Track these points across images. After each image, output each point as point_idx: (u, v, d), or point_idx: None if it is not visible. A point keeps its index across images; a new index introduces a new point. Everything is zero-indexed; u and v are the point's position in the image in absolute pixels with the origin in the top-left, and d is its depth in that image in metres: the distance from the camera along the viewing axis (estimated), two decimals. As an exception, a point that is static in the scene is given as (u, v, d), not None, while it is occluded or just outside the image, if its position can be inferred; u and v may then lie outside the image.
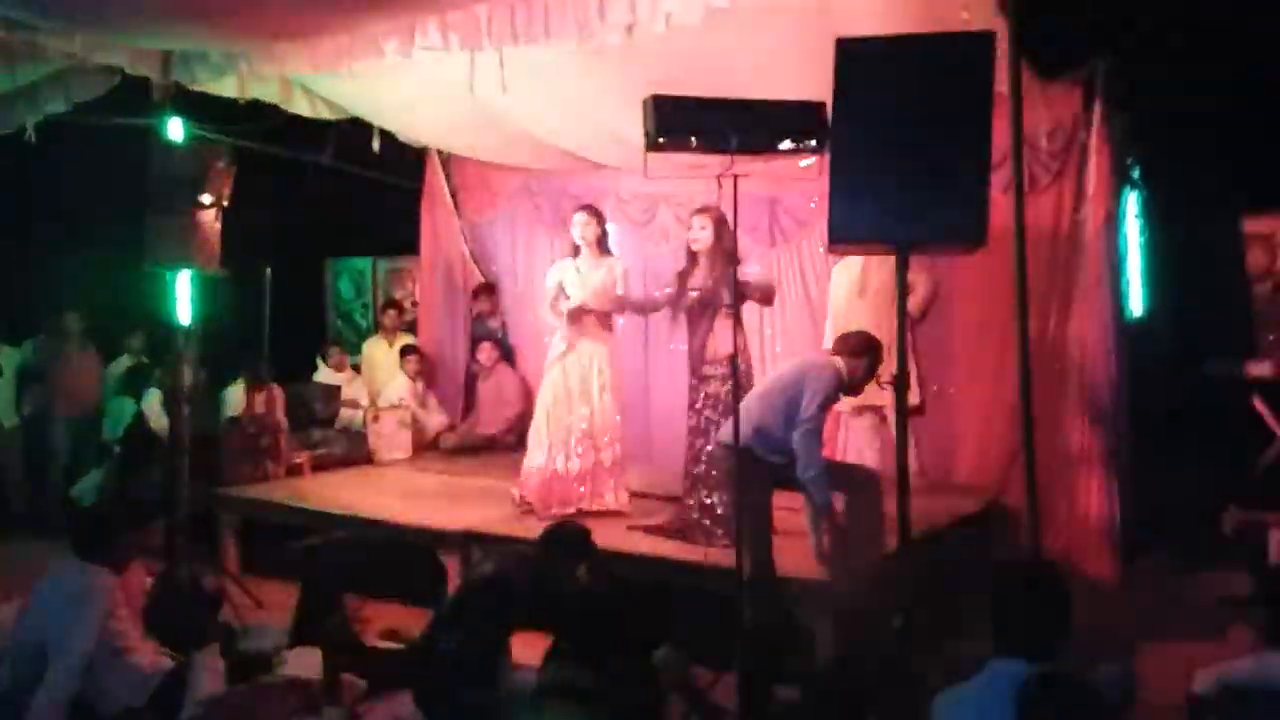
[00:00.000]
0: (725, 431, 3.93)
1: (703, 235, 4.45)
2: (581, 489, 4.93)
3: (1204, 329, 5.76)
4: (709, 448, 4.38)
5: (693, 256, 4.54)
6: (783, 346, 6.29)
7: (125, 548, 3.28)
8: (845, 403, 5.73)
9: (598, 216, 5.07)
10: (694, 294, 4.47)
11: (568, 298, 5.02)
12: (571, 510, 4.87)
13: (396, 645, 4.25)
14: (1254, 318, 5.64)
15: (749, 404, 3.85)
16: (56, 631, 3.06)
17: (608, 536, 4.44)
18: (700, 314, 4.48)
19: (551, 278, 5.14)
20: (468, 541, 4.66)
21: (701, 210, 4.52)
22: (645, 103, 3.37)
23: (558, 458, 4.94)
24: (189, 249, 4.92)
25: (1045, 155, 5.24)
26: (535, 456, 5.01)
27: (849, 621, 3.75)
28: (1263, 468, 4.56)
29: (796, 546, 4.26)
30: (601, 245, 5.06)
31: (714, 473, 4.35)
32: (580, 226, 5.02)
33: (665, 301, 4.66)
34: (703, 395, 4.45)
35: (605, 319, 5.03)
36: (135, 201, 4.99)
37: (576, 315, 4.95)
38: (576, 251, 5.07)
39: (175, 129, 5.15)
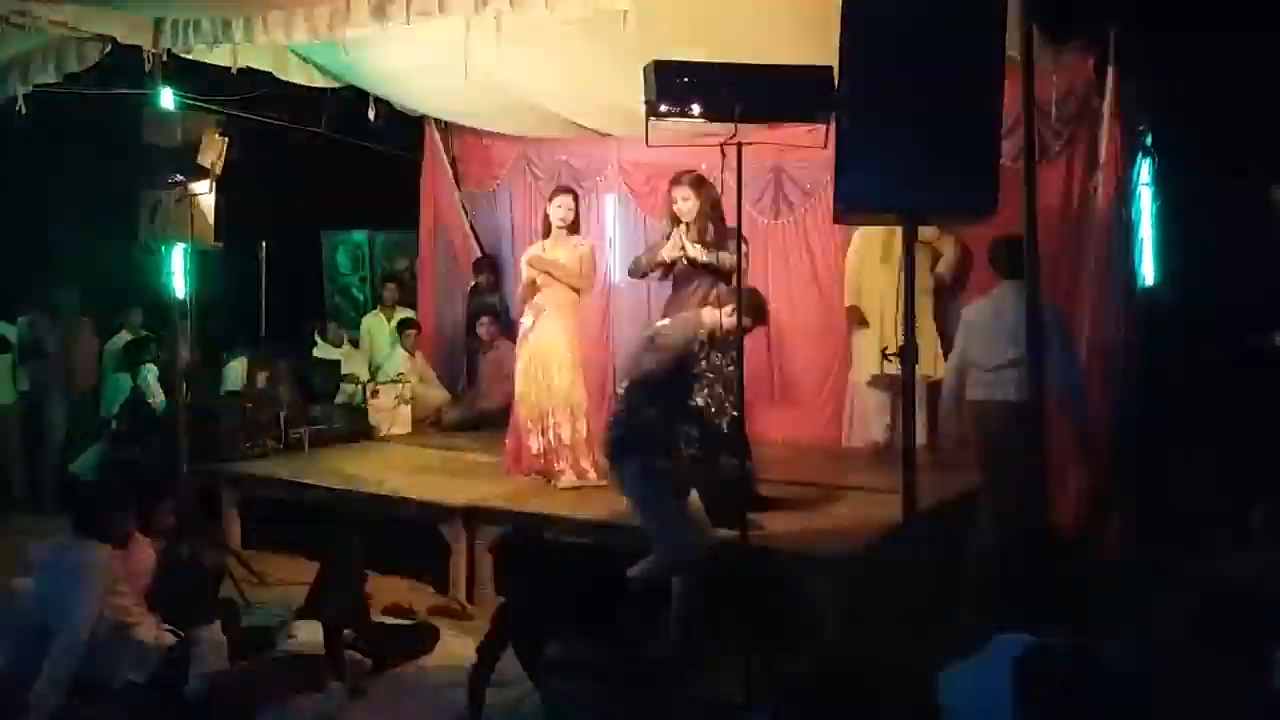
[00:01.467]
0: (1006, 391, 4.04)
1: (686, 205, 4.42)
2: (553, 465, 5.01)
3: (1222, 298, 5.73)
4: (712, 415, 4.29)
5: (676, 224, 4.49)
6: (787, 317, 6.29)
7: (125, 523, 3.30)
8: (858, 372, 5.75)
9: (576, 200, 5.15)
10: (684, 264, 4.42)
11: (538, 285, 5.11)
12: (540, 480, 5.01)
13: (400, 621, 4.30)
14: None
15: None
16: (57, 608, 3.09)
17: (593, 508, 4.51)
18: (688, 281, 4.44)
19: (527, 262, 5.19)
20: (470, 516, 4.69)
21: (679, 182, 4.47)
22: (646, 69, 3.34)
23: (528, 438, 5.08)
24: (184, 222, 4.91)
25: (1057, 122, 5.20)
26: (513, 436, 5.17)
27: (855, 596, 3.77)
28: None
29: (803, 519, 4.28)
30: (574, 227, 5.12)
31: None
32: (560, 209, 5.07)
33: (653, 266, 4.58)
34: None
35: (566, 297, 5.05)
36: (129, 174, 4.98)
37: (529, 293, 5.07)
38: (548, 231, 5.11)
39: (167, 99, 5.13)
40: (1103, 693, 1.96)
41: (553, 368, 5.06)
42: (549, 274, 5.04)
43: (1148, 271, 5.69)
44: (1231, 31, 5.41)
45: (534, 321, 5.12)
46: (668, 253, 4.49)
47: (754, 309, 3.84)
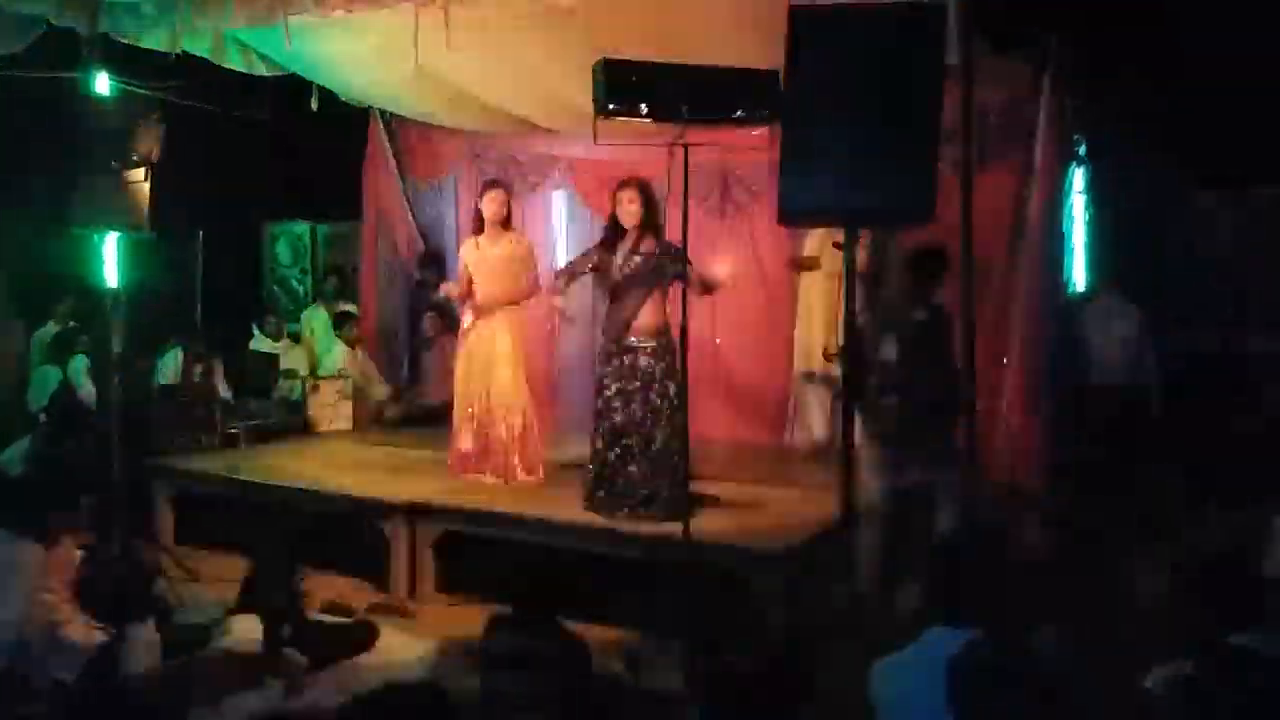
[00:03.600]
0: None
1: (632, 210, 4.43)
2: (489, 462, 5.02)
3: (1153, 303, 5.93)
4: (636, 417, 4.36)
5: (617, 228, 4.50)
6: (734, 318, 6.37)
7: (56, 520, 3.23)
8: (815, 362, 5.83)
9: (508, 195, 5.16)
10: (625, 269, 4.44)
11: (470, 277, 5.13)
12: (481, 480, 5.00)
13: (338, 619, 4.27)
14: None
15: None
16: None
17: (536, 505, 4.53)
18: (627, 286, 4.47)
19: (463, 258, 5.19)
20: (411, 513, 4.67)
21: (627, 185, 4.47)
22: (595, 67, 3.37)
23: (463, 435, 5.08)
24: (117, 210, 4.81)
25: (994, 131, 5.34)
26: (455, 431, 5.17)
27: (796, 589, 3.84)
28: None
29: (749, 516, 4.35)
30: (507, 224, 5.12)
31: (620, 442, 4.36)
32: (492, 204, 5.07)
33: (584, 270, 4.60)
34: (623, 364, 4.41)
35: (505, 295, 5.07)
36: (60, 160, 4.86)
37: (465, 291, 5.10)
38: (479, 227, 5.11)
39: (102, 83, 5.01)
40: (1033, 687, 2.03)
41: (494, 366, 5.05)
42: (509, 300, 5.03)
43: (1077, 277, 5.88)
44: (1166, 42, 5.62)
45: (474, 320, 5.11)
46: (564, 299, 4.55)
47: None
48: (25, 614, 3.05)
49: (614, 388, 4.40)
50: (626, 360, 4.39)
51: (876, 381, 4.09)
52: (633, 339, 4.39)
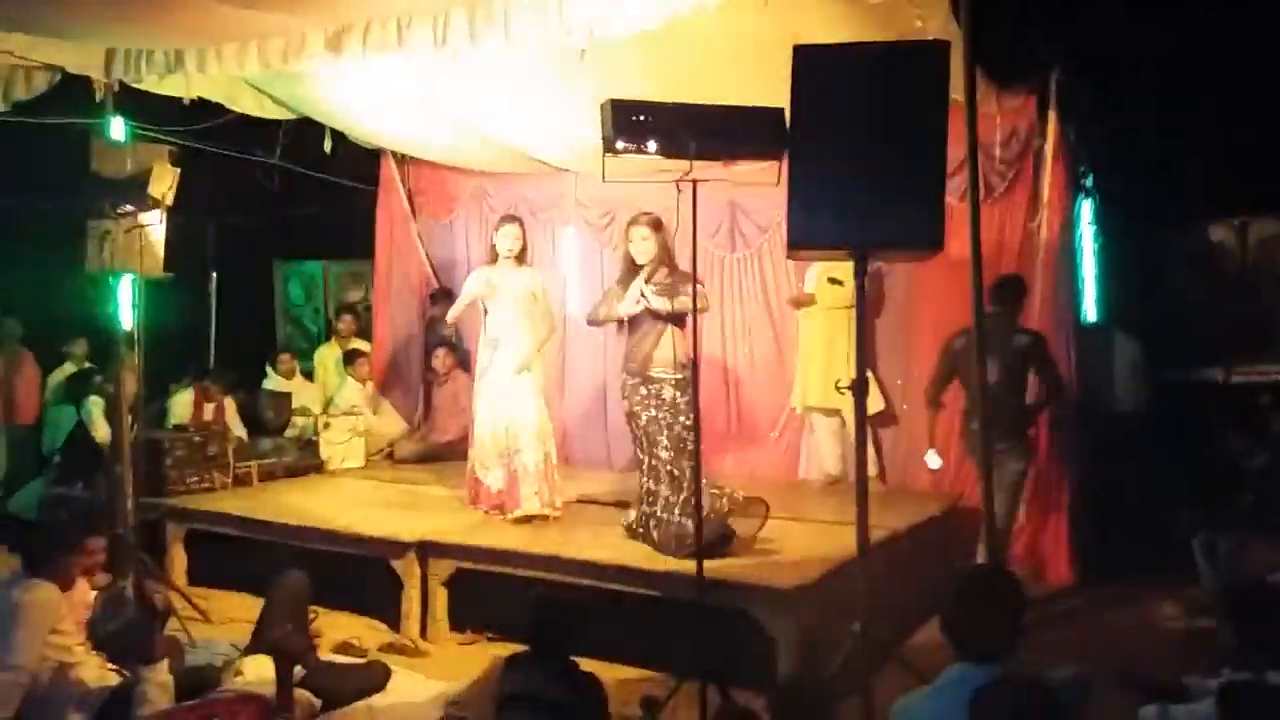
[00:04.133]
0: None
1: (645, 246, 4.47)
2: (514, 495, 4.97)
3: (1161, 333, 5.90)
4: (669, 447, 4.35)
5: (631, 265, 4.53)
6: (744, 350, 6.37)
7: (70, 561, 3.23)
8: (812, 399, 5.80)
9: (523, 229, 5.18)
10: (643, 303, 4.46)
11: (485, 310, 5.12)
12: (498, 515, 4.97)
13: (351, 659, 4.23)
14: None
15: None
16: None
17: (548, 543, 4.50)
18: (646, 321, 4.48)
19: (469, 284, 5.18)
20: (422, 551, 4.65)
21: (638, 222, 4.51)
22: (603, 107, 3.40)
23: (487, 475, 5.06)
24: (132, 253, 4.85)
25: (1000, 163, 5.36)
26: (472, 468, 5.14)
27: (810, 627, 3.80)
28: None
29: (758, 552, 4.31)
30: (521, 258, 5.15)
31: (665, 473, 4.35)
32: (508, 239, 5.09)
33: (611, 318, 4.63)
34: (650, 394, 4.42)
35: (525, 327, 5.07)
36: (77, 203, 4.91)
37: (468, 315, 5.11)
38: (493, 259, 5.13)
39: (117, 129, 5.08)
40: None
41: (514, 399, 5.02)
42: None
43: (1089, 307, 5.86)
44: (1168, 75, 5.64)
45: (490, 358, 5.09)
46: (626, 308, 4.51)
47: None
48: (39, 656, 3.03)
49: (645, 416, 4.43)
50: (653, 390, 4.42)
51: (969, 404, 4.71)
52: (657, 370, 4.42)
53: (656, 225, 4.46)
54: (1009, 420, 4.60)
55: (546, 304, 5.19)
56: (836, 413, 5.70)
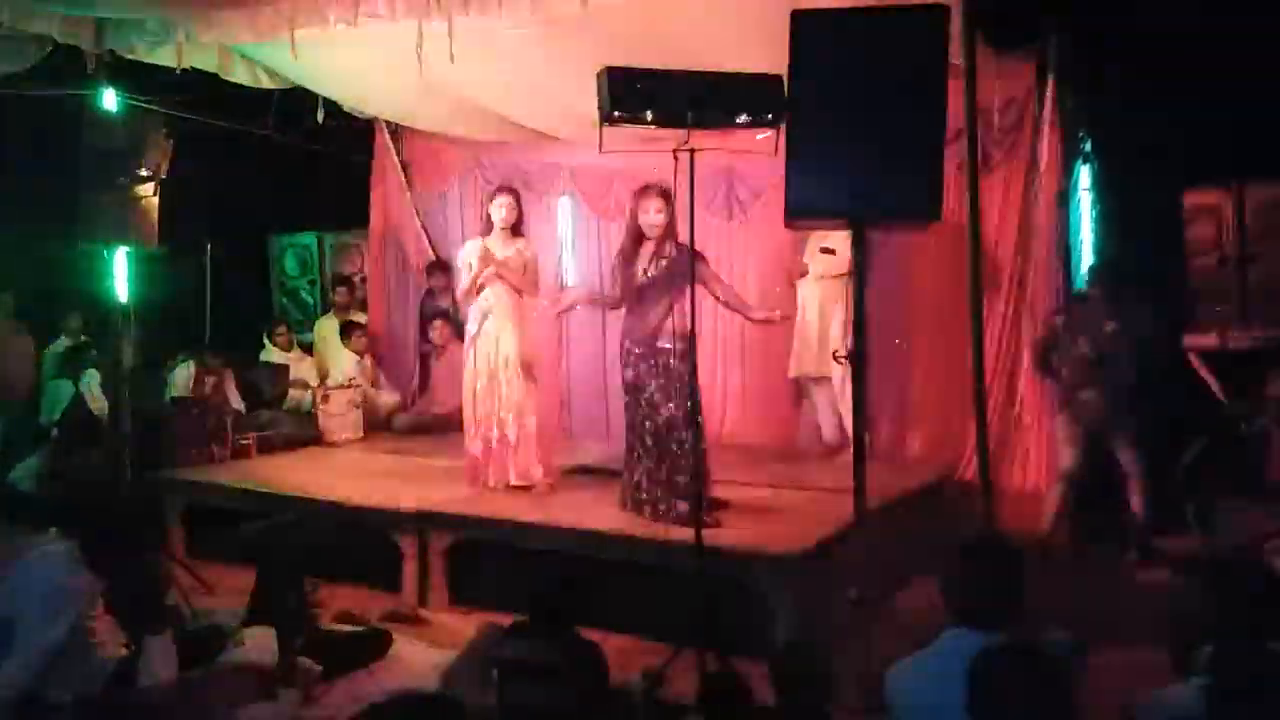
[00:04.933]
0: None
1: (658, 219, 4.41)
2: (500, 466, 5.00)
3: (1156, 300, 5.89)
4: (675, 417, 4.36)
5: (638, 237, 4.48)
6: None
7: (126, 554, 3.21)
8: (807, 367, 5.81)
9: (518, 199, 5.14)
10: (650, 274, 4.44)
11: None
12: (487, 485, 4.99)
13: (351, 628, 4.26)
14: (1194, 289, 5.79)
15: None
16: (26, 621, 2.99)
17: (547, 513, 4.53)
18: (654, 292, 4.47)
19: (465, 257, 5.15)
20: (421, 521, 4.67)
21: (650, 193, 4.43)
22: (599, 75, 3.37)
23: (476, 440, 5.07)
24: (126, 225, 4.84)
25: (998, 131, 5.34)
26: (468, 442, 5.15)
27: (807, 594, 3.83)
28: (1184, 465, 4.86)
29: (755, 520, 4.34)
30: (516, 229, 5.12)
31: (664, 442, 4.37)
32: (502, 209, 5.05)
33: (621, 295, 4.58)
34: (656, 365, 4.41)
35: (514, 295, 5.06)
36: (69, 176, 4.88)
37: (471, 292, 5.05)
38: (488, 230, 5.11)
39: (109, 99, 5.03)
40: (1049, 686, 2.01)
41: (504, 369, 5.04)
42: (499, 275, 5.01)
43: (1085, 274, 5.84)
44: (1168, 38, 5.58)
45: (479, 326, 5.09)
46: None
47: None
48: (65, 642, 3.03)
49: (653, 384, 4.41)
50: (660, 362, 4.41)
51: (1072, 376, 4.89)
52: (663, 342, 4.42)
53: (669, 196, 4.39)
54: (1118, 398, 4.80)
55: (535, 274, 5.15)
56: (828, 380, 5.71)
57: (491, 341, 5.05)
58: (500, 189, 5.25)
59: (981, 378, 3.69)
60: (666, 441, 4.37)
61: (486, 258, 5.03)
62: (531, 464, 5.02)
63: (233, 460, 5.93)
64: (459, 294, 5.28)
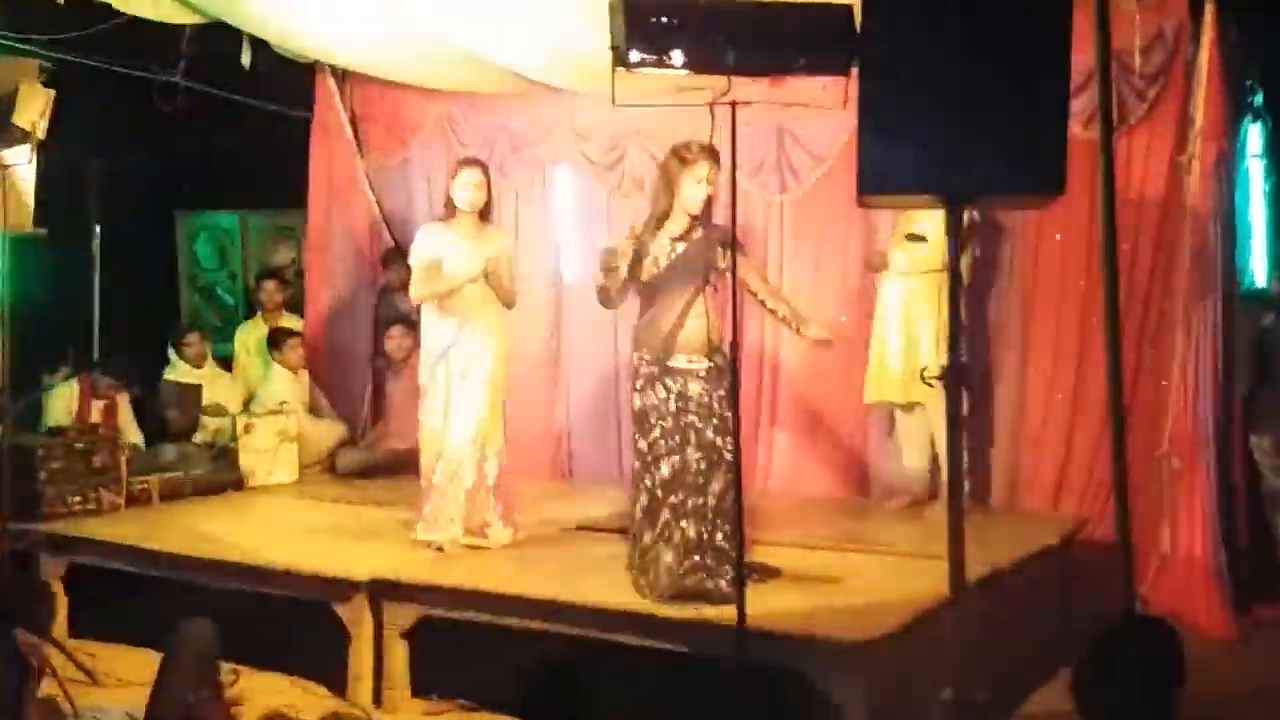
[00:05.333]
0: None
1: (700, 190, 4.34)
2: (449, 516, 5.06)
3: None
4: (692, 464, 4.35)
5: (666, 213, 4.45)
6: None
7: None
8: (890, 391, 5.79)
9: (488, 177, 5.18)
10: (664, 260, 4.42)
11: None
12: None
13: (283, 732, 4.27)
14: None
15: None
16: None
17: (542, 582, 4.52)
18: (670, 288, 4.44)
19: (423, 248, 5.16)
20: (375, 593, 4.67)
21: (697, 157, 4.32)
22: (612, 6, 3.38)
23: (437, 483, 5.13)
24: (-7, 201, 4.87)
25: (1139, 78, 5.33)
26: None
27: (886, 693, 3.80)
28: None
29: (814, 592, 4.32)
30: (485, 214, 5.17)
31: (680, 492, 4.35)
32: (469, 188, 5.06)
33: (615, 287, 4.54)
34: (669, 393, 4.37)
35: (487, 304, 5.11)
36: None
37: (425, 292, 5.11)
38: (450, 214, 5.14)
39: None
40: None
41: (474, 392, 5.08)
42: (485, 276, 5.04)
43: (1257, 268, 5.81)
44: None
45: (453, 337, 5.13)
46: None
47: None
48: None
49: (660, 427, 4.37)
50: (674, 386, 4.37)
51: None
52: (681, 358, 4.38)
53: (719, 160, 4.28)
54: None
55: (509, 271, 5.18)
56: (920, 408, 5.68)
57: (469, 355, 5.09)
58: (465, 162, 5.26)
59: (1120, 406, 3.67)
60: (672, 499, 4.34)
61: (451, 259, 5.04)
62: (503, 515, 5.07)
63: (128, 509, 5.95)
64: (413, 298, 5.31)
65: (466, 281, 5.06)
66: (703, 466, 4.33)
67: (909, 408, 5.75)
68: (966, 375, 3.33)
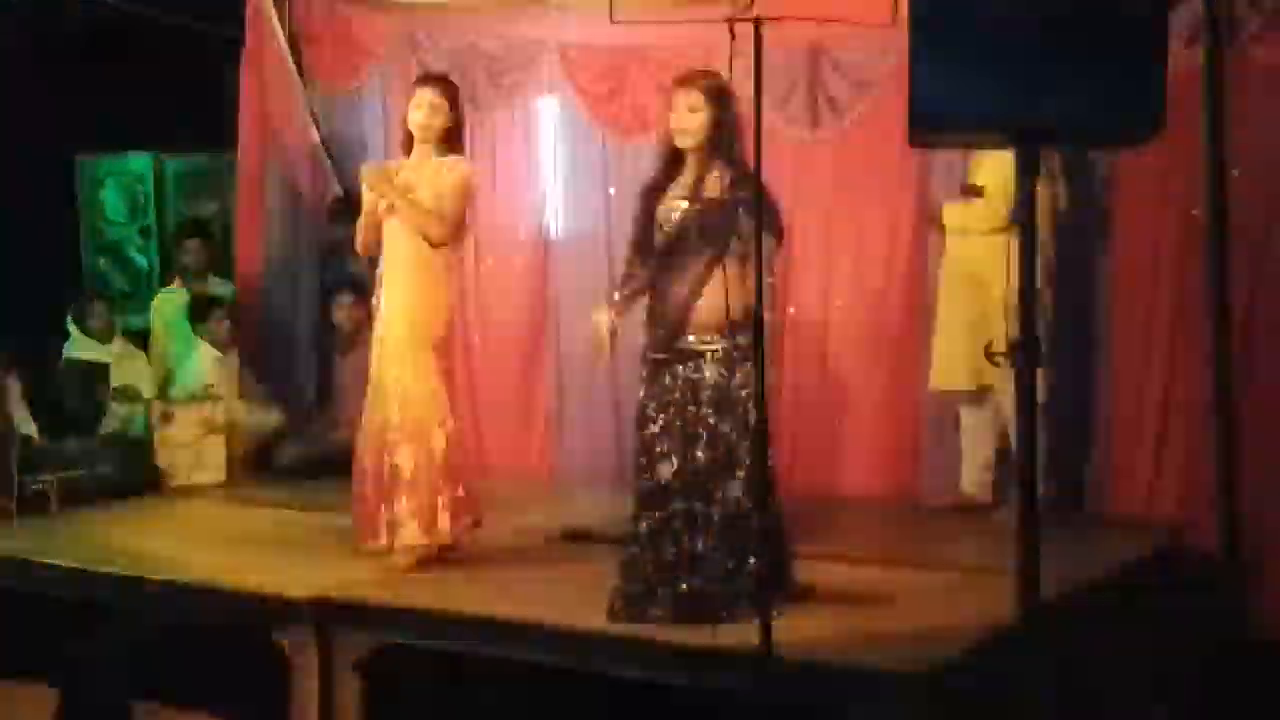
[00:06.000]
0: None
1: (692, 122, 4.40)
2: (384, 514, 5.13)
3: None
4: (699, 463, 4.36)
5: (674, 157, 4.51)
6: (842, 301, 6.37)
7: None
8: (956, 377, 5.81)
9: (452, 96, 5.21)
10: (671, 222, 4.45)
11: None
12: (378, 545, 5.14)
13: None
14: None
15: None
16: None
17: (524, 603, 4.54)
18: (680, 252, 4.47)
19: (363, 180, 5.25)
20: (321, 616, 4.70)
21: (687, 80, 4.44)
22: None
23: (359, 478, 5.23)
24: None
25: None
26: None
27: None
28: None
29: (855, 615, 4.36)
30: (448, 140, 5.19)
31: (685, 505, 4.38)
32: (419, 110, 5.11)
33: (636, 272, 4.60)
34: (674, 380, 4.41)
35: (417, 252, 5.14)
36: None
37: (371, 237, 5.20)
38: (408, 145, 5.20)
39: None
40: None
41: (391, 365, 5.13)
42: (392, 205, 5.09)
43: None
44: None
45: (381, 294, 5.23)
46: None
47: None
48: None
49: (660, 420, 4.40)
50: (681, 373, 4.39)
51: None
52: (690, 339, 4.39)
53: (717, 93, 4.37)
54: None
55: (457, 206, 5.19)
56: (990, 400, 5.70)
57: (383, 320, 5.17)
58: (423, 81, 5.33)
59: (1228, 390, 3.68)
60: (673, 504, 4.37)
61: (381, 182, 5.10)
62: (451, 505, 5.09)
63: (21, 516, 5.97)
64: (359, 245, 5.39)
65: (373, 217, 5.15)
66: (714, 469, 4.35)
67: (978, 396, 5.77)
68: (1038, 354, 3.32)
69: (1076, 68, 3.10)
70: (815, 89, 6.38)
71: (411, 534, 5.06)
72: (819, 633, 4.15)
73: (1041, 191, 5.47)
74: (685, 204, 4.42)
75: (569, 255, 6.96)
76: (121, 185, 8.94)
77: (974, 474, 5.90)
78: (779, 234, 4.61)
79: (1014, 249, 5.01)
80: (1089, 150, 5.19)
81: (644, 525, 4.42)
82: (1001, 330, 5.36)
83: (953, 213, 5.73)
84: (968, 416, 5.91)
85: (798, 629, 4.06)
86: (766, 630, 3.60)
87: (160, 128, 8.51)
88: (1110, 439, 5.86)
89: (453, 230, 5.21)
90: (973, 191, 5.57)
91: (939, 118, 3.18)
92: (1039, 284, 5.35)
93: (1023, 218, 3.33)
